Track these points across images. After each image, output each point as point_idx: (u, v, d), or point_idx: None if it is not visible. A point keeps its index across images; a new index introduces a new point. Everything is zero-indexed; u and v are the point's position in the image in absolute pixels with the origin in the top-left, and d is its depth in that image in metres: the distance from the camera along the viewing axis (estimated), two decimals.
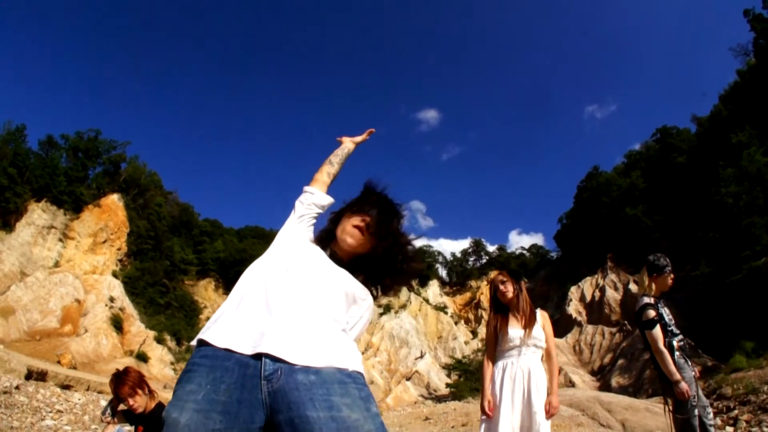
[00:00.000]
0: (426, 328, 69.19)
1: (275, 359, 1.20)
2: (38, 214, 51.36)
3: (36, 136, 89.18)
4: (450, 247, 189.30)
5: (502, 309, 3.76)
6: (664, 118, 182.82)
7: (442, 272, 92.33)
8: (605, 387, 31.71)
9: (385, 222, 1.80)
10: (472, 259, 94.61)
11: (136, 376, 3.94)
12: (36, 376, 13.21)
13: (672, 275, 4.24)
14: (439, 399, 41.20)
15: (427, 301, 75.81)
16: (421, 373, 55.89)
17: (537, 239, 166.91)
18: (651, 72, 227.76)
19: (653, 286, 4.18)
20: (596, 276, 51.89)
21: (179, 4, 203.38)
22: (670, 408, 3.95)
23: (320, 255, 1.66)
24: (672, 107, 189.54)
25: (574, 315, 48.40)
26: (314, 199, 1.92)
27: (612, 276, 49.13)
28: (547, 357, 3.66)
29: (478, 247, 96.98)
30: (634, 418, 12.82)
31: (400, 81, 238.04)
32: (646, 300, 4.10)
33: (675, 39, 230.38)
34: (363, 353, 61.66)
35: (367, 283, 1.70)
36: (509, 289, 3.75)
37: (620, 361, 34.72)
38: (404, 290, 78.16)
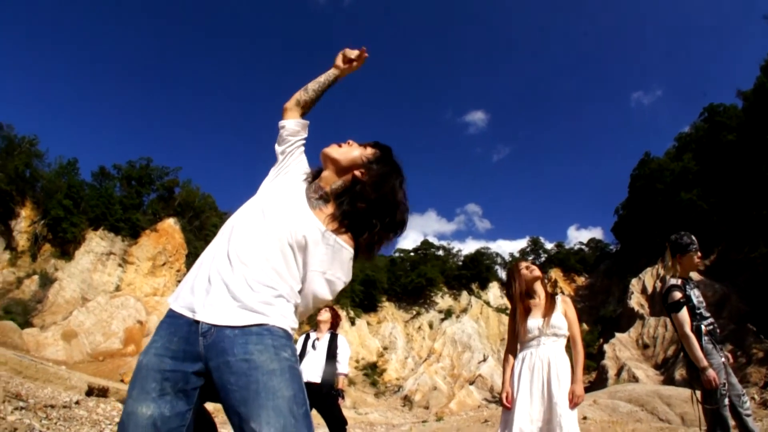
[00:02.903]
0: (488, 330, 68.28)
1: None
2: (96, 241, 54.07)
3: (88, 169, 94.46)
4: (508, 247, 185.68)
5: (521, 299, 3.65)
6: (712, 96, 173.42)
7: (502, 273, 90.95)
8: (669, 380, 30.37)
9: (379, 158, 1.75)
10: (530, 258, 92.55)
11: None
12: (97, 392, 14.15)
13: (699, 253, 4.00)
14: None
15: (488, 303, 74.87)
16: (484, 376, 55.10)
17: (596, 233, 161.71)
18: (692, 51, 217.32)
19: (678, 266, 4.00)
20: (656, 266, 49.80)
21: (223, 30, 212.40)
22: (699, 399, 3.72)
23: (288, 198, 1.65)
24: (718, 84, 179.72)
25: (637, 308, 46.56)
26: (287, 132, 1.83)
27: (662, 271, 46.99)
28: (573, 344, 3.52)
29: (536, 246, 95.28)
30: (694, 410, 12.50)
31: (443, 86, 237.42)
32: (672, 281, 3.90)
33: (711, 14, 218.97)
34: (426, 359, 62.25)
35: (346, 232, 1.62)
36: (536, 269, 3.71)
37: (683, 354, 33.02)
38: (464, 294, 77.99)
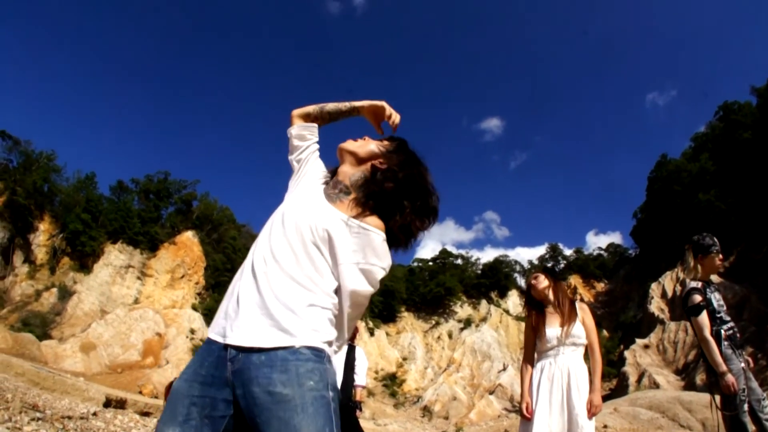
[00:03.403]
0: (508, 339, 67.80)
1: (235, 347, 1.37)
2: (115, 255, 54.63)
3: (106, 183, 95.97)
4: (527, 255, 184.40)
5: (538, 308, 3.66)
6: (726, 94, 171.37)
7: (521, 281, 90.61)
8: (690, 385, 29.87)
9: (397, 147, 1.71)
10: (549, 264, 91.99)
11: None
12: (115, 404, 14.19)
13: (720, 256, 3.94)
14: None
15: (507, 312, 74.44)
16: (504, 386, 54.69)
17: (615, 238, 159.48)
18: (704, 49, 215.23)
19: (699, 268, 3.94)
20: (676, 270, 49.23)
21: (238, 43, 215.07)
22: (717, 405, 3.67)
23: (305, 199, 1.59)
24: (732, 82, 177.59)
25: (657, 313, 45.95)
26: (294, 138, 1.80)
27: (683, 274, 46.37)
28: (590, 352, 3.49)
29: (554, 252, 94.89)
30: (713, 416, 12.25)
31: (458, 93, 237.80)
32: (692, 284, 3.84)
33: (721, 10, 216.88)
34: (445, 369, 61.95)
35: (372, 214, 1.53)
36: (540, 281, 3.68)
37: (703, 358, 32.48)
38: (484, 303, 77.58)
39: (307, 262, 1.44)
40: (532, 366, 3.57)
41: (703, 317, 3.66)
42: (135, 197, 63.23)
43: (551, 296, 3.63)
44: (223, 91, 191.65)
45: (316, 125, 1.83)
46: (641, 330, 46.26)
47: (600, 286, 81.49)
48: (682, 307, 3.91)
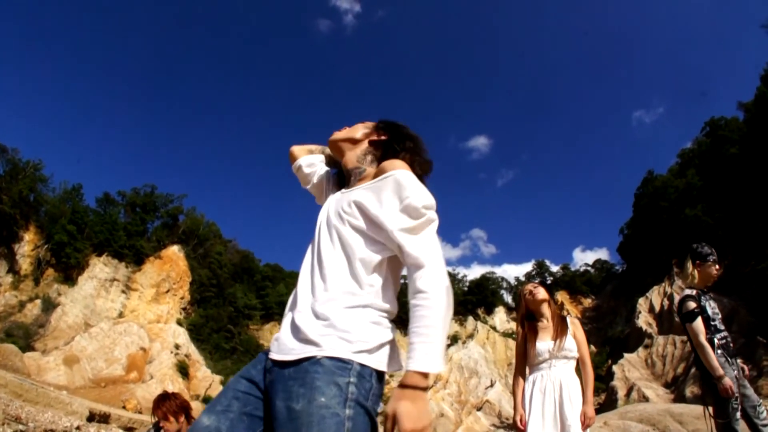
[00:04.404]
0: (495, 355, 67.69)
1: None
2: (100, 267, 54.30)
3: (92, 194, 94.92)
4: (514, 272, 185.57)
5: (530, 320, 3.67)
6: (713, 109, 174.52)
7: (507, 298, 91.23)
8: (679, 398, 29.93)
9: (381, 121, 1.76)
10: (537, 281, 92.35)
11: (176, 404, 3.87)
12: (99, 418, 13.95)
13: (717, 266, 3.96)
14: (511, 427, 39.97)
15: (494, 328, 74.45)
16: (492, 402, 54.51)
17: (601, 254, 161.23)
18: (691, 65, 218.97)
19: (696, 275, 3.94)
20: (663, 284, 49.51)
21: (226, 58, 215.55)
22: (711, 413, 3.68)
23: (327, 205, 1.58)
24: (719, 97, 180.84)
25: (645, 327, 46.11)
26: (304, 167, 1.88)
27: (679, 282, 46.57)
28: (582, 365, 3.53)
29: (541, 269, 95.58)
30: (705, 427, 12.27)
31: (445, 112, 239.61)
32: (687, 291, 3.88)
33: (707, 26, 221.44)
34: (432, 386, 61.37)
35: (374, 162, 1.65)
36: (540, 292, 3.68)
37: (693, 370, 32.64)
38: (470, 319, 77.64)
39: (341, 258, 1.40)
40: (524, 379, 3.59)
41: (698, 323, 3.67)
42: (121, 210, 63.16)
43: (546, 309, 3.65)
44: (212, 106, 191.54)
45: (322, 155, 1.90)
46: (629, 344, 46.34)
47: (587, 302, 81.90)
48: (677, 314, 3.94)
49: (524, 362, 3.62)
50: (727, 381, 3.46)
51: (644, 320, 47.60)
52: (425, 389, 1.28)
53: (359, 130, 1.72)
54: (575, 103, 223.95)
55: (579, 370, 3.54)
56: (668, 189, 55.41)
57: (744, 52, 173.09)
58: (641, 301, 50.63)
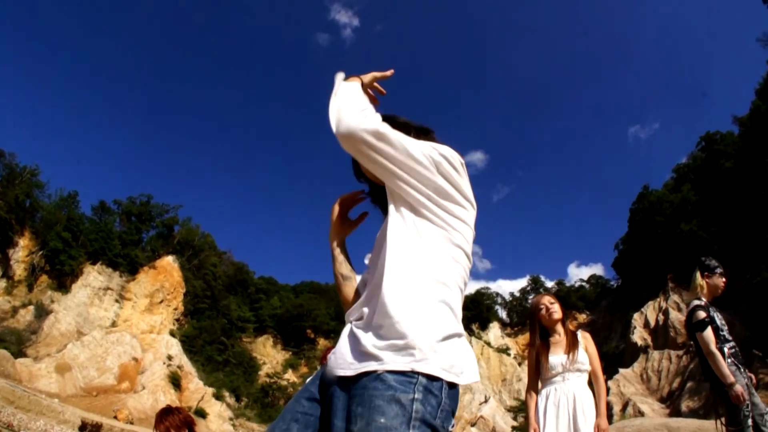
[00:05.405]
0: (489, 371, 67.53)
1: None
2: (94, 276, 53.93)
3: (88, 202, 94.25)
4: (509, 287, 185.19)
5: (542, 335, 3.68)
6: (708, 124, 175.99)
7: (502, 313, 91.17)
8: (675, 412, 29.95)
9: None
10: (531, 297, 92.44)
11: (179, 419, 3.72)
12: (90, 428, 13.79)
13: (724, 279, 4.04)
14: None
15: (488, 344, 74.27)
16: (486, 417, 54.30)
17: (597, 269, 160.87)
18: (687, 80, 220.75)
19: (705, 285, 4.01)
20: (658, 299, 49.63)
21: (224, 69, 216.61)
22: (723, 421, 3.70)
23: (379, 235, 1.42)
24: (714, 112, 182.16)
25: (640, 342, 46.19)
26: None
27: (674, 297, 46.80)
28: (594, 379, 3.56)
29: (536, 284, 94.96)
30: None
31: (442, 126, 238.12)
32: (696, 302, 3.93)
33: (702, 42, 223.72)
34: None
35: None
36: (557, 310, 3.66)
37: (689, 384, 32.77)
38: (465, 335, 76.58)
39: (401, 236, 1.28)
40: (537, 392, 3.60)
41: (709, 333, 3.70)
42: (116, 219, 62.81)
43: (560, 326, 3.67)
44: (210, 118, 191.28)
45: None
46: (624, 360, 46.37)
47: (582, 318, 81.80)
48: (686, 325, 4.00)
49: (537, 376, 3.63)
50: (739, 388, 3.49)
51: (639, 335, 47.68)
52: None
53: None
54: (571, 118, 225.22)
55: (590, 383, 3.57)
56: (663, 204, 55.57)
57: (739, 66, 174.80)
58: (636, 316, 50.70)
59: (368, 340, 1.17)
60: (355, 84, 1.43)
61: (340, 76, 1.45)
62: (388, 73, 1.62)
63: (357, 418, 1.08)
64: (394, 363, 1.11)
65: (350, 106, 1.33)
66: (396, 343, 1.14)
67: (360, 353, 1.18)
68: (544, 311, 3.66)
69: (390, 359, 1.12)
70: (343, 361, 1.20)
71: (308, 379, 1.37)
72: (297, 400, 1.29)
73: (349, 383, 1.16)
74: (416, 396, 1.09)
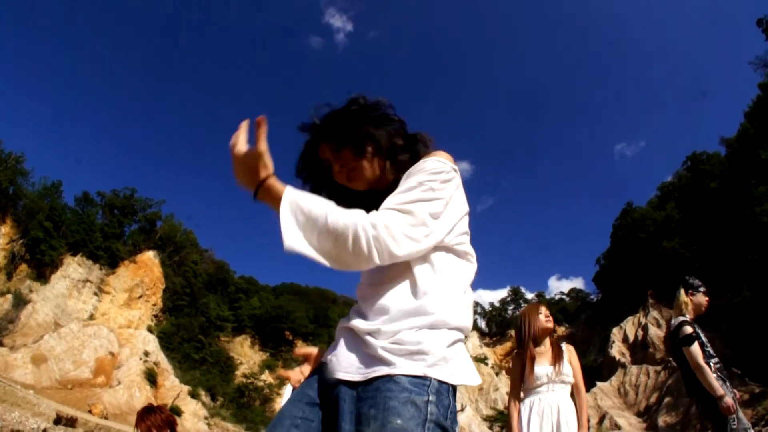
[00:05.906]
0: None
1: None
2: (74, 267, 53.15)
3: (72, 192, 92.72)
4: (488, 297, 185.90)
5: (526, 345, 3.67)
6: (694, 144, 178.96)
7: (481, 323, 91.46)
8: (652, 427, 30.32)
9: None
10: (510, 308, 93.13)
11: (161, 418, 3.64)
12: (65, 421, 13.57)
13: (707, 297, 4.10)
14: None
15: None
16: (462, 426, 54.18)
17: (577, 283, 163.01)
18: (675, 100, 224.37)
19: (689, 302, 4.04)
20: (638, 315, 50.23)
21: (214, 70, 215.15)
22: None
23: None
24: (701, 132, 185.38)
25: (618, 357, 46.68)
26: None
27: (654, 313, 47.46)
28: (576, 391, 3.58)
29: (516, 295, 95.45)
30: None
31: (430, 135, 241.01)
32: (681, 318, 3.96)
33: (693, 63, 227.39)
34: None
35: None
36: (551, 319, 3.73)
37: (666, 399, 33.17)
38: None
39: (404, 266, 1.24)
40: (520, 402, 3.61)
41: (696, 347, 3.74)
42: (99, 211, 61.93)
43: (548, 336, 3.70)
44: (200, 117, 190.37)
45: None
46: (602, 374, 46.74)
47: (561, 330, 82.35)
48: (671, 341, 4.02)
49: (520, 385, 3.63)
50: (728, 400, 3.53)
51: (618, 350, 48.15)
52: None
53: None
54: (558, 133, 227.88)
55: (572, 395, 3.60)
56: (647, 221, 56.24)
57: (729, 88, 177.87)
58: (615, 330, 51.19)
59: (378, 344, 1.15)
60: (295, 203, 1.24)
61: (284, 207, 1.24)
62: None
63: (370, 420, 1.07)
64: (407, 367, 1.11)
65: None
66: (409, 348, 1.13)
67: (369, 357, 1.16)
68: (543, 317, 3.70)
69: (402, 364, 1.11)
70: (348, 365, 1.17)
71: (302, 385, 1.30)
72: (295, 404, 1.24)
73: (357, 386, 1.14)
74: (430, 398, 1.09)
